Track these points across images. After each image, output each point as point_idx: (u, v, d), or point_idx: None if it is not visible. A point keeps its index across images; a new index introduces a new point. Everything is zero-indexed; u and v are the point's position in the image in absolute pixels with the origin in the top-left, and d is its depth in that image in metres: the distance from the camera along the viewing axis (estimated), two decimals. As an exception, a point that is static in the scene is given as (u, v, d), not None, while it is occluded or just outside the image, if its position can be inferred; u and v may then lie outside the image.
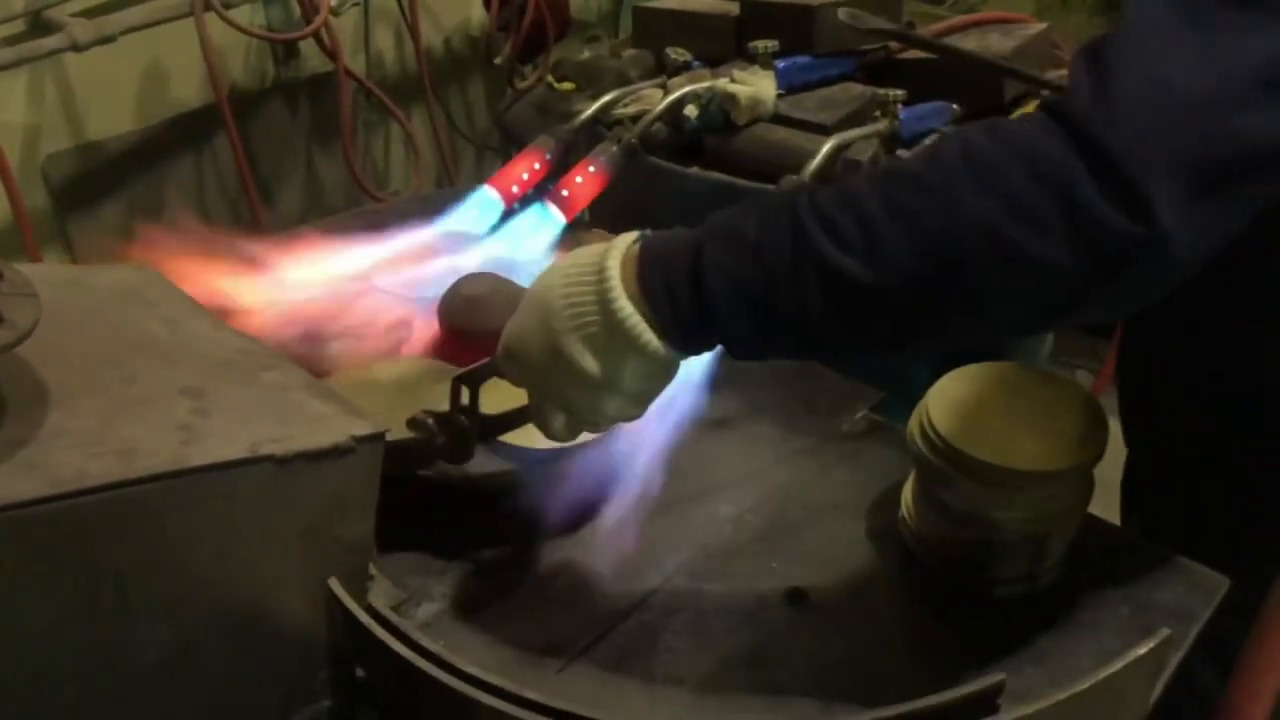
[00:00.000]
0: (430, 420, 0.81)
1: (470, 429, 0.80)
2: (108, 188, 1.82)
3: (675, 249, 0.64)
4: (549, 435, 0.73)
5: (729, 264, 0.62)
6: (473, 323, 0.99)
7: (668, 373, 0.68)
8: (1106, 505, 0.88)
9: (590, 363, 0.65)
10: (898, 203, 0.59)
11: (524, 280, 1.05)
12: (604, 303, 0.64)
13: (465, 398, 0.79)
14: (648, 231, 0.67)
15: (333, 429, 0.67)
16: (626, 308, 0.64)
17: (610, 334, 0.65)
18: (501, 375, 0.74)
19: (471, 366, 0.79)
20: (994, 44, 1.33)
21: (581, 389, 0.67)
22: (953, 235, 0.58)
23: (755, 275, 0.62)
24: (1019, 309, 0.61)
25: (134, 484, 0.57)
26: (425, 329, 1.03)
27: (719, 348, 0.68)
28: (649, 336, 0.64)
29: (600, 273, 0.65)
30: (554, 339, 0.66)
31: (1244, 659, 0.65)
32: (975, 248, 0.58)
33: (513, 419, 0.80)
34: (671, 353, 0.66)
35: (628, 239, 0.67)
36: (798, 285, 0.61)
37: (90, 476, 0.56)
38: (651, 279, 0.64)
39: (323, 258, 1.07)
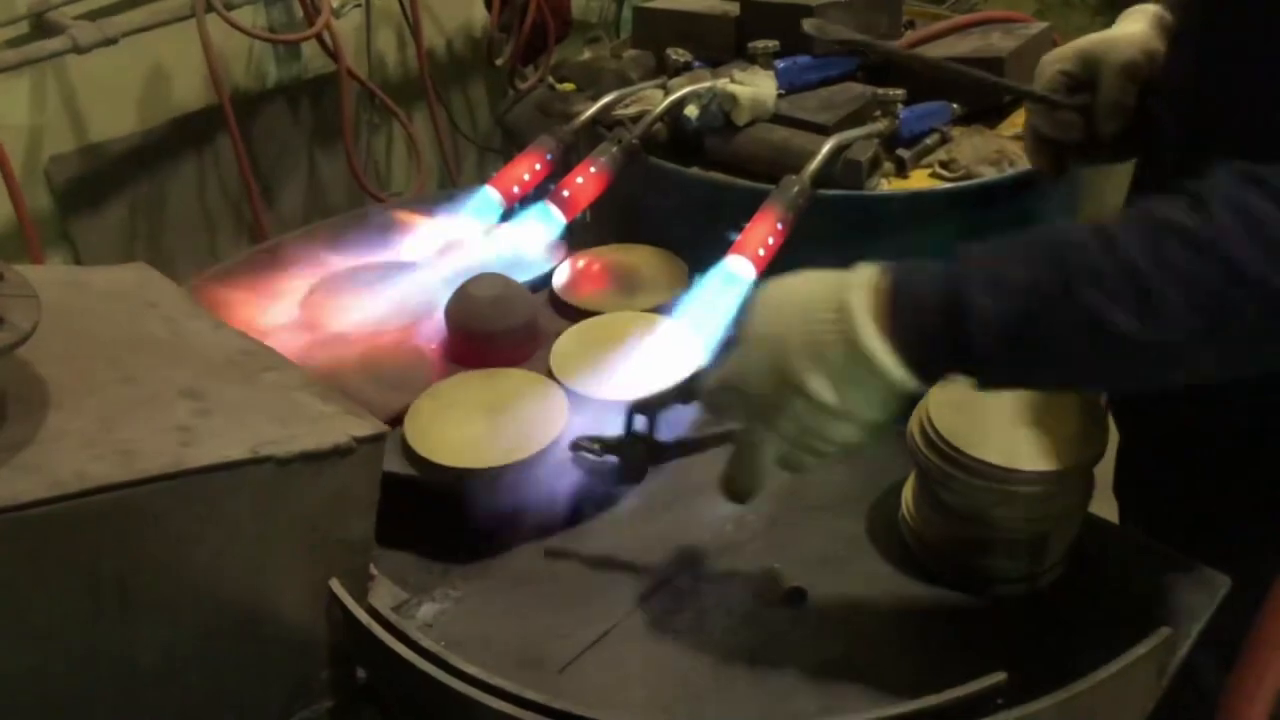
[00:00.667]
0: (597, 445, 0.85)
1: (643, 454, 0.84)
2: (110, 190, 1.82)
3: (925, 287, 0.65)
4: (758, 469, 0.73)
5: (989, 307, 0.62)
6: (483, 324, 0.99)
7: (902, 401, 0.69)
8: (1110, 505, 0.88)
9: (829, 394, 0.67)
10: (1169, 258, 0.60)
11: (526, 280, 1.06)
12: (850, 340, 0.65)
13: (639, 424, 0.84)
14: (883, 264, 0.68)
15: (333, 429, 0.67)
16: (879, 345, 0.65)
17: (854, 368, 0.66)
18: (712, 410, 0.77)
19: (647, 395, 0.83)
20: (995, 43, 1.33)
21: (815, 419, 0.68)
22: (1233, 297, 0.59)
23: (1018, 321, 0.62)
24: None
25: (134, 485, 0.57)
26: (434, 333, 1.03)
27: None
28: (899, 373, 0.65)
29: (841, 310, 0.66)
30: (790, 375, 0.67)
31: (1243, 658, 0.65)
32: (1257, 310, 0.59)
33: (688, 446, 0.84)
34: (915, 385, 0.67)
35: (866, 276, 0.67)
36: (1062, 333, 0.62)
37: (90, 478, 0.56)
38: (903, 319, 0.65)
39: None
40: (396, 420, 0.90)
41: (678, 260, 1.12)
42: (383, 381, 0.95)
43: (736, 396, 0.72)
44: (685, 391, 0.80)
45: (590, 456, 0.86)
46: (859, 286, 0.67)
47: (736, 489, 0.75)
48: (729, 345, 0.75)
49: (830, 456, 0.71)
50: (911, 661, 0.77)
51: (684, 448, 0.84)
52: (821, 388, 0.67)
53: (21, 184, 1.56)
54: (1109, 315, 0.60)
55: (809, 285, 0.69)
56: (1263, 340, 0.61)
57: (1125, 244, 0.61)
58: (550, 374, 0.96)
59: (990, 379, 0.67)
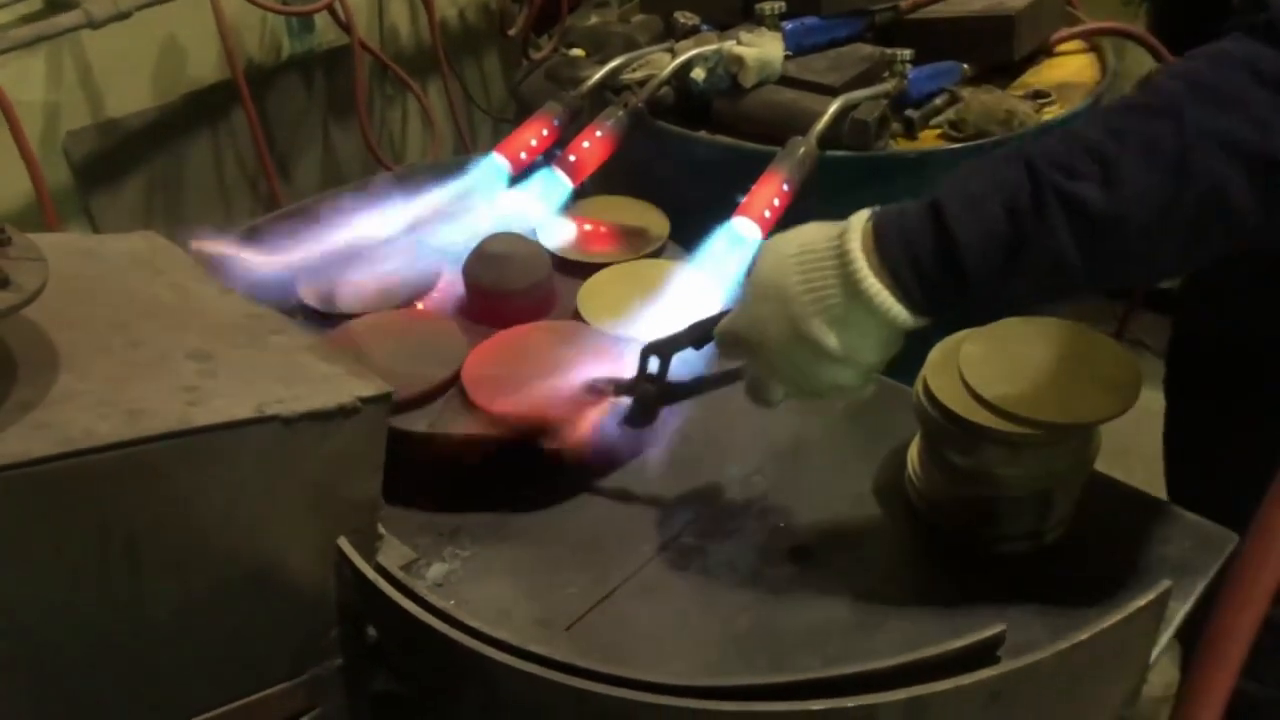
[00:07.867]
0: (611, 386, 0.86)
1: (655, 396, 0.85)
2: (128, 164, 1.84)
3: (910, 219, 0.66)
4: (764, 404, 0.76)
5: (971, 219, 0.64)
6: (496, 281, 1.00)
7: (899, 342, 0.70)
8: (1117, 465, 0.87)
9: (831, 340, 0.68)
10: (1126, 131, 0.61)
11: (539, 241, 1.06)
12: (849, 282, 0.67)
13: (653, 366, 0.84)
14: (877, 208, 0.69)
15: (339, 390, 0.68)
16: (875, 284, 0.66)
17: (853, 310, 0.67)
18: (723, 354, 0.79)
19: (661, 338, 0.83)
20: (1006, 2, 1.31)
21: (818, 364, 0.70)
22: (1193, 153, 0.59)
23: (1000, 224, 0.63)
24: (1271, 215, 0.61)
25: (141, 443, 0.58)
26: (450, 287, 1.04)
27: None
28: (897, 309, 0.66)
29: (841, 255, 0.67)
30: (795, 323, 0.69)
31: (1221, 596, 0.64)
32: (1216, 160, 0.59)
33: (698, 386, 0.84)
34: (913, 320, 0.68)
35: (860, 219, 0.68)
36: (1043, 224, 0.62)
37: (98, 436, 0.57)
38: (893, 251, 0.66)
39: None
40: (437, 393, 0.91)
41: (655, 209, 1.13)
42: (419, 357, 0.94)
43: (743, 344, 0.74)
44: (698, 335, 0.81)
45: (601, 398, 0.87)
46: (854, 230, 0.68)
47: (758, 402, 0.77)
48: (738, 297, 0.76)
49: (831, 397, 0.73)
50: (915, 619, 0.78)
51: (697, 389, 0.84)
52: (824, 335, 0.68)
53: (40, 160, 1.57)
54: (1080, 192, 0.61)
55: (809, 234, 0.70)
56: (1240, 200, 0.60)
57: (1082, 134, 0.63)
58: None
59: (985, 297, 0.67)
